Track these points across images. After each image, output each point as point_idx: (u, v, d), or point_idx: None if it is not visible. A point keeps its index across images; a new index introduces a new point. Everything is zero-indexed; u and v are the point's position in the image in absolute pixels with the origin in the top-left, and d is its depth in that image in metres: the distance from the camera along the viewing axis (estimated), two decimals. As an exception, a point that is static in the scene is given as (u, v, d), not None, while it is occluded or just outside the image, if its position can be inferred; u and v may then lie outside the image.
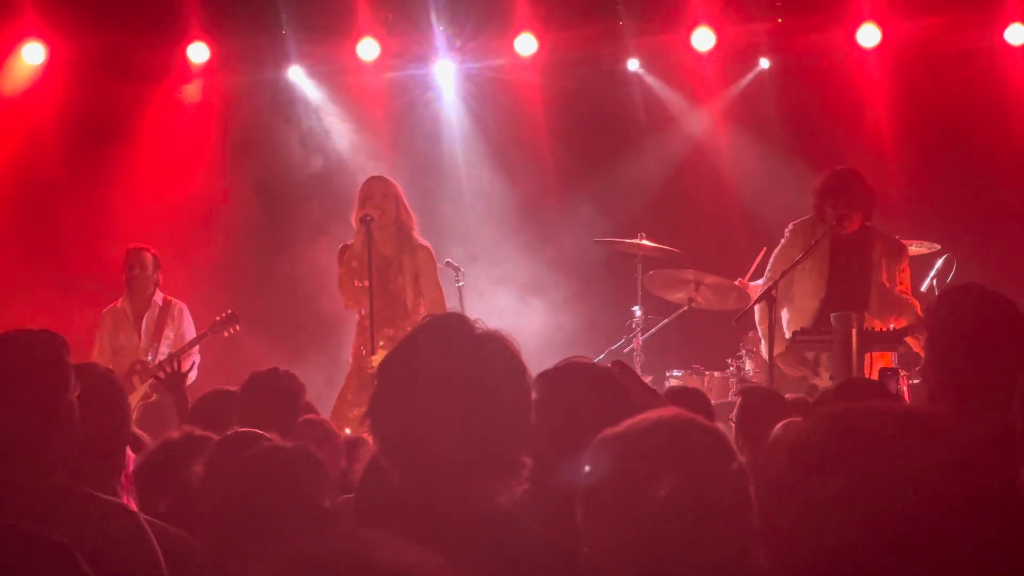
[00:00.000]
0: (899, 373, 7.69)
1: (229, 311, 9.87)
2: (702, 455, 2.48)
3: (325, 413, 7.84)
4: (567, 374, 3.37)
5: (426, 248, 8.48)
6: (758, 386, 6.77)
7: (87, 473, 3.40)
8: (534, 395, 2.72)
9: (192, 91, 11.66)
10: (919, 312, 7.98)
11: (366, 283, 8.25)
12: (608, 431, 2.52)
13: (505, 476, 2.68)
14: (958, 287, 4.28)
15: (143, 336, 10.01)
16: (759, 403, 5.50)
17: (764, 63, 11.42)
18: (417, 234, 8.49)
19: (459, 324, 2.77)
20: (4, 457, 3.22)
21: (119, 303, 10.15)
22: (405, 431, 2.68)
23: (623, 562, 2.42)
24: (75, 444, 3.28)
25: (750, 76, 11.51)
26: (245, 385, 5.18)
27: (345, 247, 8.52)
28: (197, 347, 9.99)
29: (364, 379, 8.12)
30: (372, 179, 8.64)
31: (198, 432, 4.05)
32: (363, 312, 8.39)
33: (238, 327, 9.84)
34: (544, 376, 3.26)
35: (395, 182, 8.58)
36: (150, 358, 9.86)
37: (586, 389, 3.30)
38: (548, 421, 2.82)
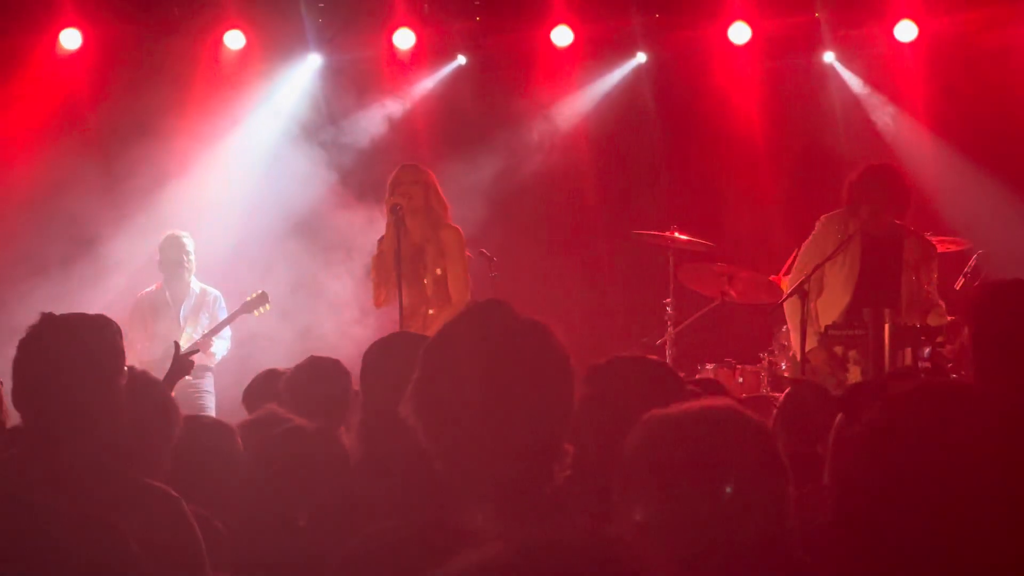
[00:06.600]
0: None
1: (260, 291, 9.89)
2: (744, 446, 2.50)
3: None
4: (623, 367, 3.37)
5: (454, 229, 8.40)
6: (809, 380, 6.77)
7: (132, 455, 3.45)
8: (585, 390, 2.72)
9: (227, 78, 11.67)
10: (945, 313, 7.99)
11: (393, 274, 8.18)
12: (657, 411, 2.54)
13: (547, 463, 2.68)
14: (1002, 282, 4.25)
15: (183, 324, 10.02)
16: (806, 397, 5.48)
17: (828, 56, 11.36)
18: (449, 219, 8.42)
19: (502, 311, 2.76)
20: (57, 438, 3.27)
21: (157, 289, 10.16)
22: (448, 416, 2.68)
23: (656, 540, 2.44)
24: (123, 428, 3.33)
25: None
26: (293, 372, 5.31)
27: (381, 239, 8.50)
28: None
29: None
30: (400, 168, 8.55)
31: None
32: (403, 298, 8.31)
33: (268, 307, 9.87)
34: (596, 370, 3.25)
35: (426, 170, 8.51)
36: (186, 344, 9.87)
37: (644, 382, 3.29)
38: (600, 415, 2.82)
